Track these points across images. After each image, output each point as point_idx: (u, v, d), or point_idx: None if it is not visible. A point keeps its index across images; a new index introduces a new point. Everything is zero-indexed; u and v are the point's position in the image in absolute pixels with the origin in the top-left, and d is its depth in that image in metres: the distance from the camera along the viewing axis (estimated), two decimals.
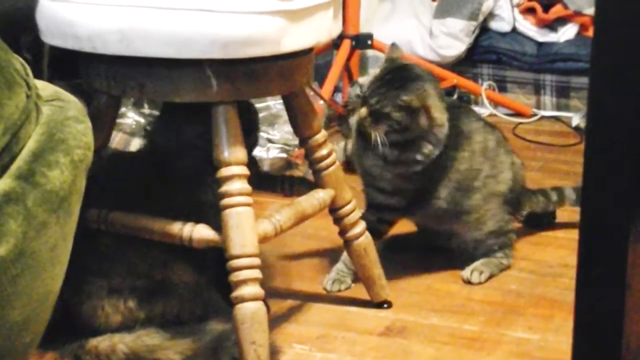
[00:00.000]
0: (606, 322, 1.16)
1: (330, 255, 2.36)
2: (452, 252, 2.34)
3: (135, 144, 2.76)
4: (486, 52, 3.76)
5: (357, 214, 2.07)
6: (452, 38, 3.69)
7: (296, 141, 2.56)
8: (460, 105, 2.42)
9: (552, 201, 2.48)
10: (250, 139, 1.93)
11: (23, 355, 1.55)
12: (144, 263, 1.91)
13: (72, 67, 1.98)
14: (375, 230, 2.20)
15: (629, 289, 1.14)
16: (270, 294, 2.12)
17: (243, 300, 1.80)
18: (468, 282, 2.27)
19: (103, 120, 1.93)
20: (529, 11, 3.75)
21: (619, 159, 1.12)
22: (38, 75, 1.63)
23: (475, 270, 2.28)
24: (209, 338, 1.89)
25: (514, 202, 2.36)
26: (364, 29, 3.59)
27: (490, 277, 2.29)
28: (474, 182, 2.26)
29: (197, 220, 1.85)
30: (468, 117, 2.30)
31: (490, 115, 3.62)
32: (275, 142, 2.87)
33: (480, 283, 2.26)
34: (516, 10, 3.74)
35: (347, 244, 2.09)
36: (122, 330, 1.90)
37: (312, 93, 2.99)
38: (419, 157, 2.18)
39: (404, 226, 2.43)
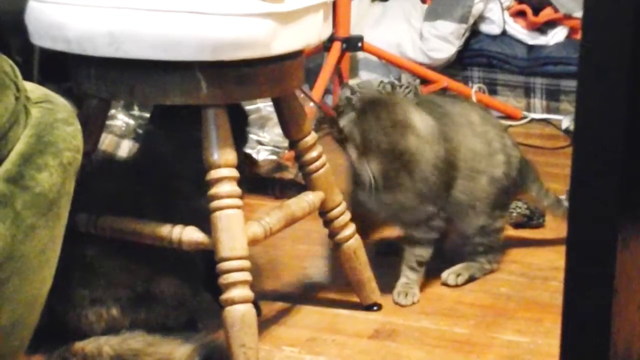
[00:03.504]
0: (594, 326, 1.16)
1: (320, 258, 2.35)
2: (441, 254, 2.33)
3: (125, 146, 2.76)
4: (476, 55, 3.76)
5: (347, 216, 2.07)
6: (442, 41, 3.69)
7: (286, 143, 2.56)
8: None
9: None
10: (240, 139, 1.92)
11: (11, 359, 1.55)
12: (128, 274, 1.91)
13: (62, 70, 1.97)
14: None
15: (616, 294, 1.14)
16: (260, 296, 2.11)
17: (233, 302, 1.80)
18: (445, 284, 2.26)
19: (93, 123, 1.93)
20: (519, 14, 3.75)
21: (607, 163, 1.13)
22: (28, 77, 1.63)
23: (452, 272, 2.27)
24: (192, 347, 1.87)
25: (506, 195, 2.29)
26: (354, 31, 3.59)
27: (470, 279, 2.28)
28: (477, 164, 2.21)
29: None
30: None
31: None
32: (265, 144, 2.86)
33: (457, 285, 2.25)
34: (506, 13, 3.74)
35: (337, 246, 2.08)
36: (108, 334, 1.90)
37: (302, 95, 2.99)
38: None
39: (393, 230, 2.43)
